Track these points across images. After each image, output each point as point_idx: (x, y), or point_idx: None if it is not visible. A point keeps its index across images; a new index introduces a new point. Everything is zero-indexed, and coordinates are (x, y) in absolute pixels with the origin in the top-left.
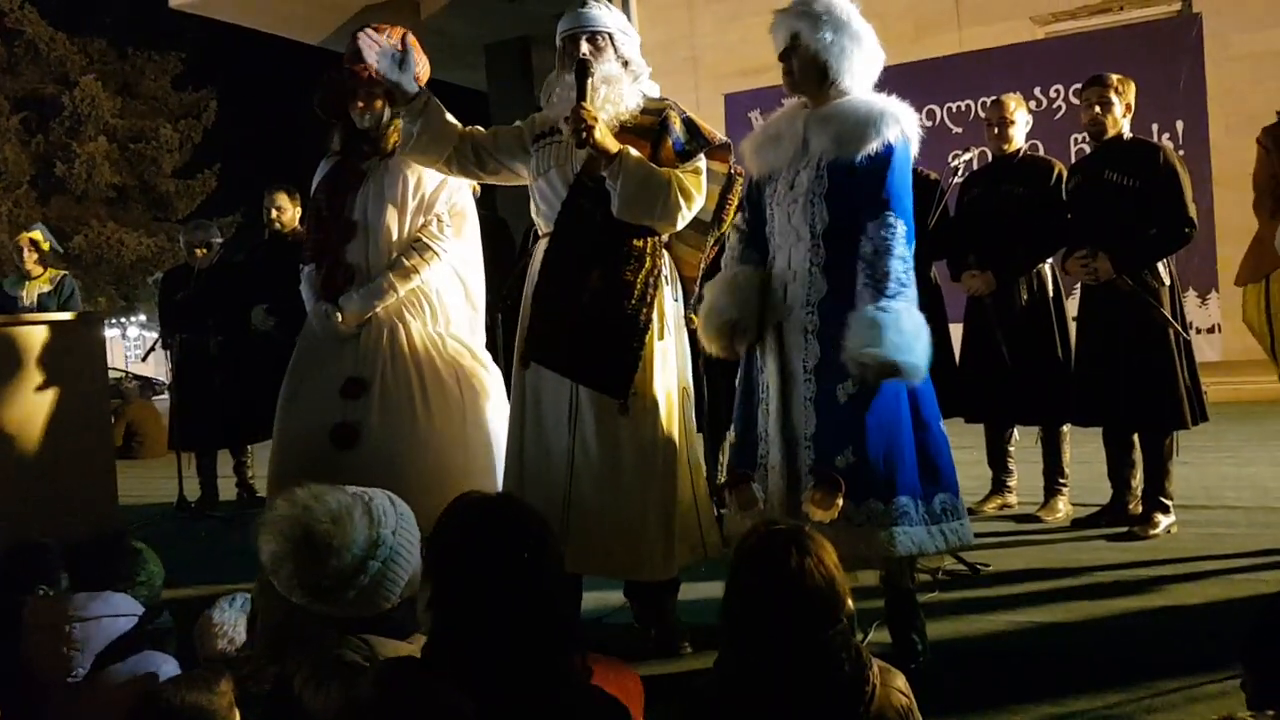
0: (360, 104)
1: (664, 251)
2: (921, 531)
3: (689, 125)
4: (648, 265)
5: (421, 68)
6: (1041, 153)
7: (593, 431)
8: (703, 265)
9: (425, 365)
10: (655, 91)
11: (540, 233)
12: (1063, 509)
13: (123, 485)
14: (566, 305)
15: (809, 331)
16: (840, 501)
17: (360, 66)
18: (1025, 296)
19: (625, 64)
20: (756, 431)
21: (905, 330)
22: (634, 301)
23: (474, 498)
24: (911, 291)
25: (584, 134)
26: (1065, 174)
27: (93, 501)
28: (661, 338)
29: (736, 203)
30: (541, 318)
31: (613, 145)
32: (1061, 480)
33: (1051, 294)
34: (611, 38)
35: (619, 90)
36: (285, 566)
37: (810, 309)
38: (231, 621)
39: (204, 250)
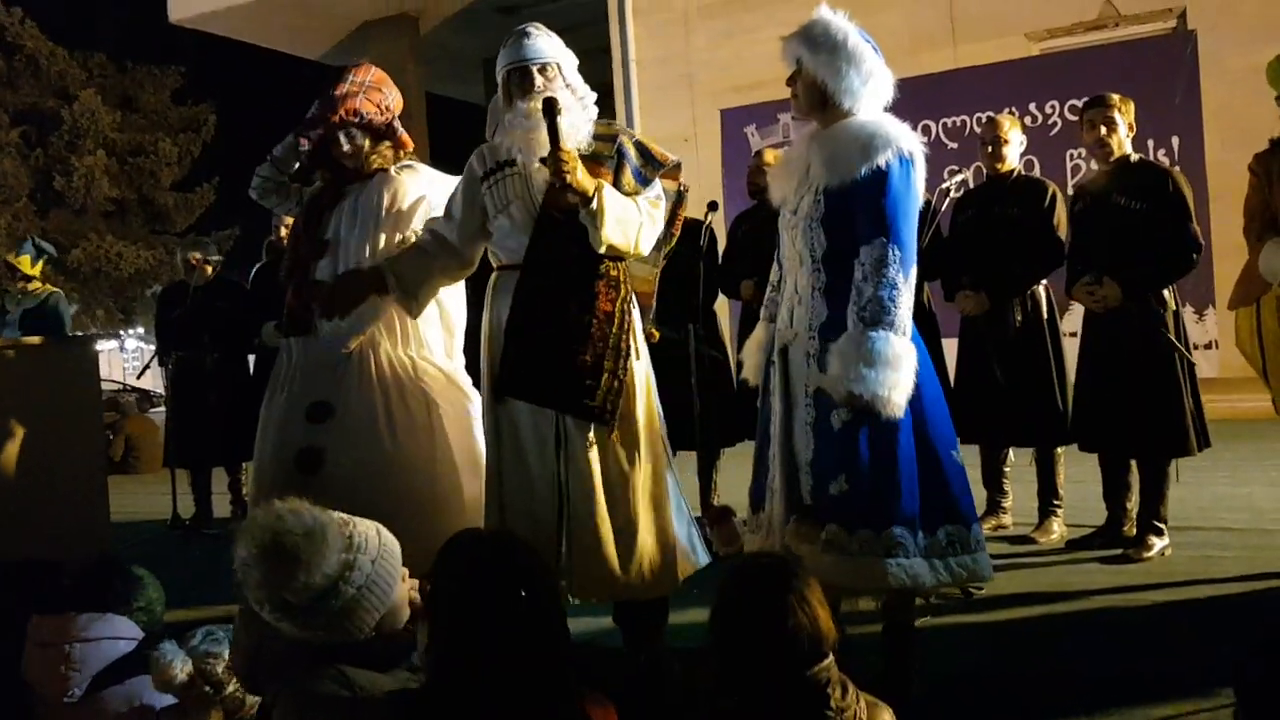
0: (345, 149)
1: (628, 274)
2: (920, 564)
3: (641, 150)
4: (622, 292)
5: (392, 99)
6: (1037, 169)
7: (584, 458)
8: (656, 281)
9: (392, 388)
10: (595, 113)
11: (498, 264)
12: (1057, 530)
13: (117, 501)
14: (547, 338)
15: (810, 356)
16: (823, 536)
17: (333, 114)
18: (1019, 318)
19: (573, 92)
20: (768, 454)
21: (878, 361)
22: (615, 329)
23: (471, 535)
24: (898, 318)
25: (566, 177)
26: (1058, 195)
27: (85, 521)
28: (638, 358)
29: (683, 218)
30: (519, 351)
31: (590, 184)
32: (1056, 502)
33: (1046, 315)
34: (560, 67)
35: (574, 121)
36: (253, 574)
37: (813, 333)
38: (169, 659)
39: (209, 266)
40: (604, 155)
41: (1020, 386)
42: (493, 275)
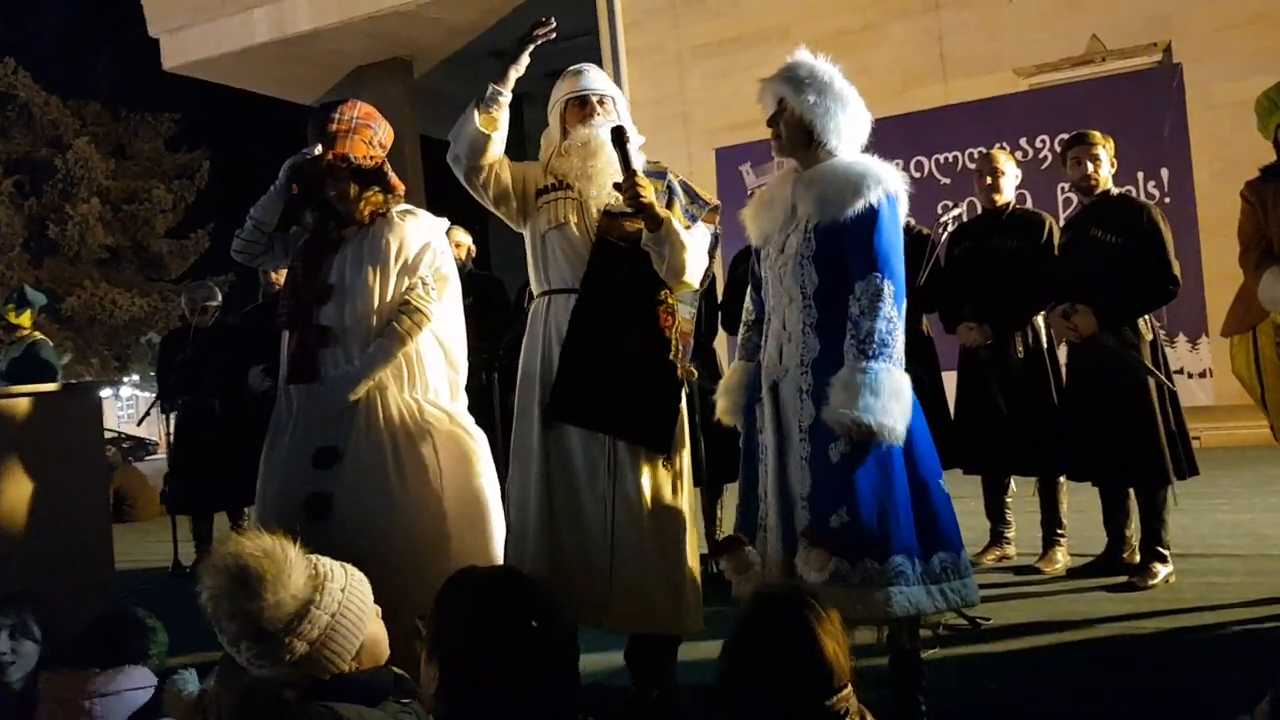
0: (334, 193)
1: None
2: (919, 591)
3: (687, 190)
4: (676, 320)
5: (382, 133)
6: (1029, 203)
7: (634, 487)
8: (693, 321)
9: (400, 433)
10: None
11: (545, 288)
12: (1061, 560)
13: (119, 549)
14: (607, 364)
15: (803, 391)
16: (832, 560)
17: (321, 160)
18: (1021, 349)
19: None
20: (758, 492)
21: (882, 392)
22: (670, 354)
23: (475, 574)
24: (895, 351)
25: (642, 201)
26: (1055, 227)
27: (91, 567)
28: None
29: (718, 259)
30: (576, 377)
31: (662, 212)
32: (1059, 531)
33: (1046, 345)
34: (615, 102)
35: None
36: (223, 606)
37: (805, 369)
38: (187, 687)
39: (211, 305)
40: (656, 190)
41: (1023, 417)
42: (537, 301)
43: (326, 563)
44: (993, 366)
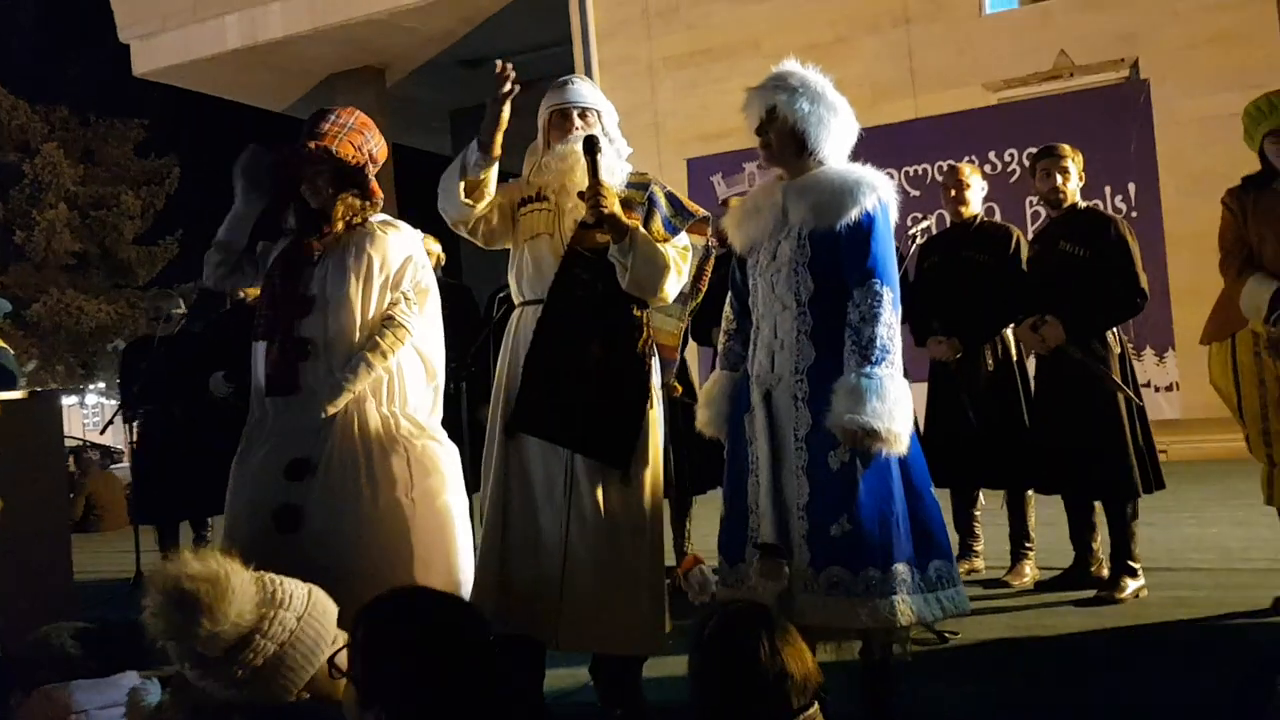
0: (306, 184)
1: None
2: (919, 599)
3: (673, 200)
4: (644, 336)
5: (374, 144)
6: (998, 216)
7: (590, 502)
8: (680, 335)
9: (374, 446)
10: (628, 166)
11: (521, 299)
12: (1029, 573)
13: (79, 560)
14: (565, 375)
15: (799, 399)
16: (787, 569)
17: (301, 145)
18: (990, 362)
19: (610, 140)
20: (746, 503)
21: (889, 397)
22: (636, 371)
23: (391, 594)
24: (897, 357)
25: (603, 211)
26: (1023, 240)
27: (48, 580)
28: (652, 406)
29: (710, 274)
30: (536, 388)
31: (626, 222)
32: (1027, 544)
33: (1016, 358)
34: (600, 114)
35: (610, 165)
36: (159, 624)
37: (800, 376)
38: (151, 697)
39: (175, 314)
40: (636, 201)
41: (992, 429)
42: (515, 312)
43: (287, 588)
44: (962, 379)
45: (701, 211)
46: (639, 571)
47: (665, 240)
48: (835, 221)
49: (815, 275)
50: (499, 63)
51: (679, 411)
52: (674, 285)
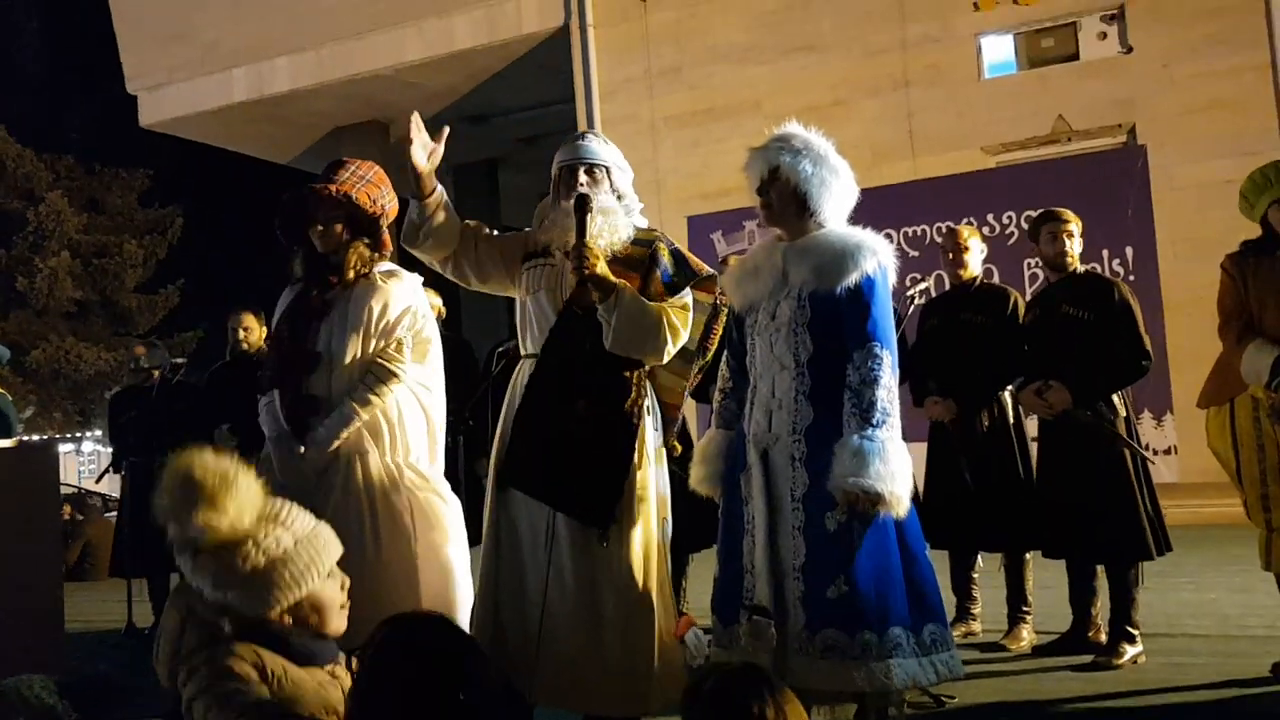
0: (320, 226)
1: (647, 381)
2: (914, 664)
3: (677, 258)
4: (633, 396)
5: (387, 199)
6: (996, 277)
7: (569, 559)
8: (686, 393)
9: (378, 497)
10: (644, 223)
11: (522, 353)
12: (1026, 637)
13: (71, 609)
14: (550, 432)
15: (797, 459)
16: (773, 633)
17: (321, 186)
18: (986, 423)
19: (619, 197)
20: (741, 564)
21: (891, 460)
22: (620, 433)
23: (405, 617)
24: (896, 420)
25: (585, 271)
26: (1020, 302)
27: (38, 628)
28: (642, 468)
29: (721, 333)
30: (523, 441)
31: (610, 282)
32: (1025, 608)
33: (1012, 420)
34: (608, 171)
35: (613, 222)
36: (163, 502)
37: (798, 437)
38: None
39: (155, 370)
40: (636, 258)
41: (989, 491)
42: (518, 365)
43: (294, 513)
44: (959, 441)
45: (707, 270)
46: (619, 633)
47: (661, 298)
48: (836, 284)
49: (814, 336)
50: (414, 114)
51: (674, 472)
52: (667, 344)
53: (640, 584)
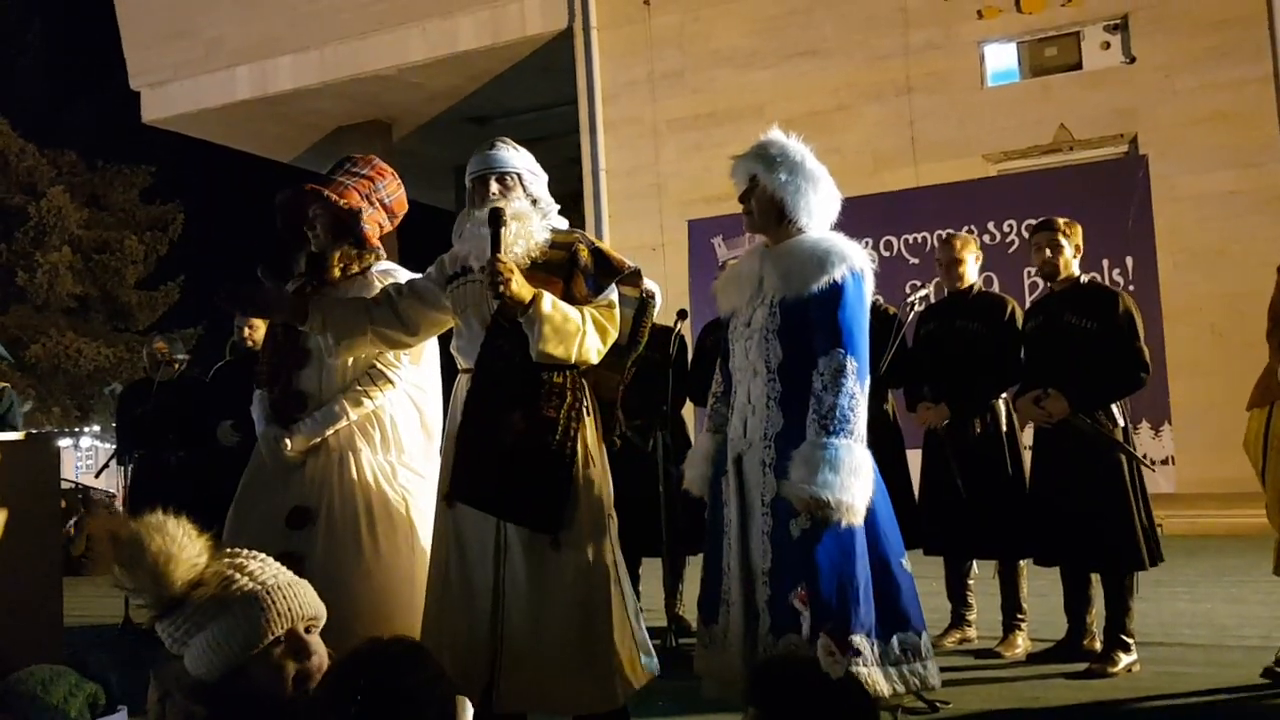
0: (311, 227)
1: (583, 382)
2: (877, 672)
3: (597, 256)
4: (569, 400)
5: (390, 196)
6: (996, 286)
7: (522, 566)
8: (621, 388)
9: (375, 496)
10: (564, 224)
11: (461, 368)
12: (1021, 644)
13: (70, 604)
14: (490, 445)
15: (766, 465)
16: (780, 645)
17: (310, 186)
18: (979, 430)
19: (534, 202)
20: (721, 565)
21: (842, 468)
22: (558, 437)
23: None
24: (857, 428)
25: (500, 286)
26: (1018, 310)
27: (36, 622)
28: (587, 468)
29: (650, 325)
30: (465, 457)
31: (526, 294)
32: (1020, 616)
33: (1005, 428)
34: (520, 177)
35: (528, 227)
36: (124, 580)
37: (768, 443)
38: None
39: (175, 362)
40: (556, 262)
41: (982, 499)
42: (455, 381)
43: (255, 566)
44: (952, 447)
45: (629, 264)
46: (580, 632)
47: (586, 300)
48: (804, 290)
49: (784, 342)
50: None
51: (672, 472)
52: (593, 345)
53: (595, 580)
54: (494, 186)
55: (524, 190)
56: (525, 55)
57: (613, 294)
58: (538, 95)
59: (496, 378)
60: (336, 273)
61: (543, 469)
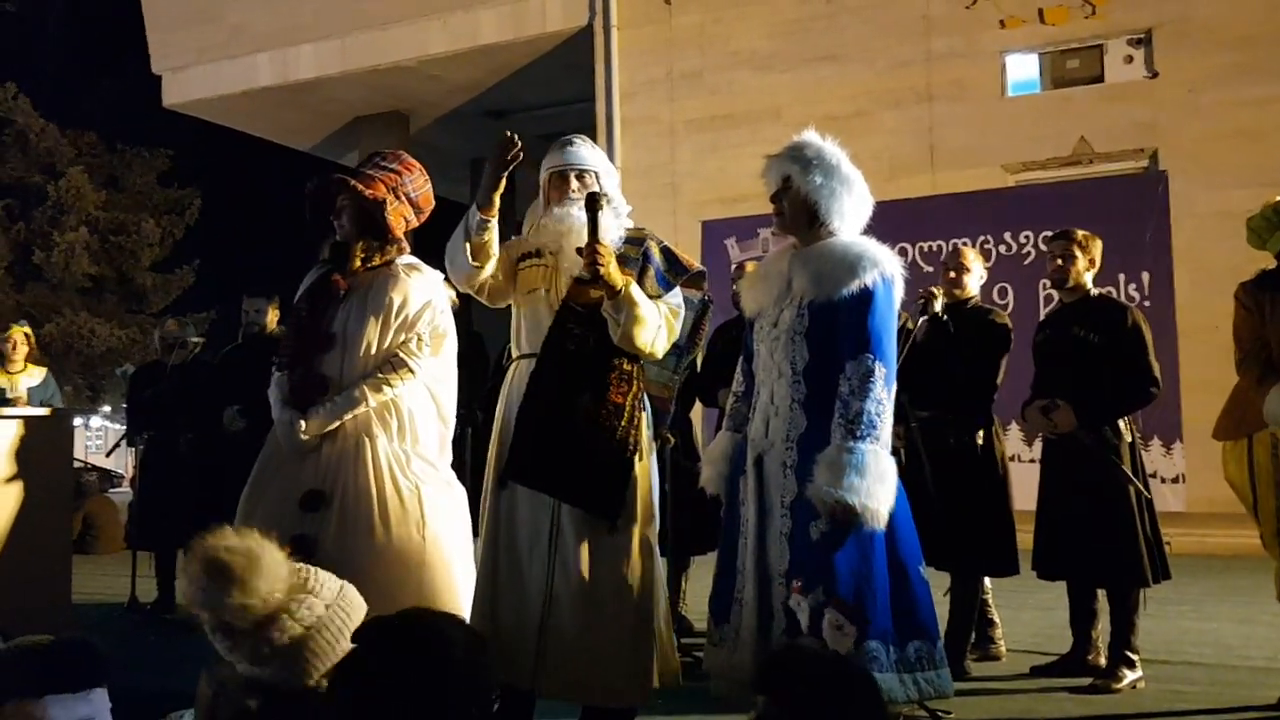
0: (338, 216)
1: (640, 374)
2: (892, 679)
3: (668, 255)
4: (634, 388)
5: (416, 191)
6: (1010, 297)
7: (574, 553)
8: (675, 388)
9: (388, 482)
10: (631, 224)
11: (517, 353)
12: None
13: (76, 581)
14: (556, 428)
15: (788, 466)
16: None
17: (337, 177)
18: (952, 441)
19: (609, 200)
20: (736, 564)
21: (868, 473)
22: (624, 423)
23: (381, 622)
24: (883, 433)
25: (599, 268)
26: (1009, 325)
27: (46, 597)
28: (642, 459)
29: (708, 328)
30: (528, 439)
31: (620, 279)
32: (991, 631)
33: (982, 442)
34: (596, 176)
35: (607, 223)
36: (197, 591)
37: (790, 444)
38: None
39: (190, 344)
40: (630, 257)
41: (952, 511)
42: (511, 366)
43: (320, 580)
44: (929, 456)
45: (696, 266)
46: (623, 623)
47: (658, 296)
48: (834, 293)
49: (811, 345)
50: (508, 133)
51: (680, 474)
52: (664, 341)
53: (643, 572)
54: (574, 183)
55: (601, 188)
56: (545, 51)
57: (679, 296)
58: (556, 91)
59: (564, 361)
60: (357, 263)
61: (609, 453)
